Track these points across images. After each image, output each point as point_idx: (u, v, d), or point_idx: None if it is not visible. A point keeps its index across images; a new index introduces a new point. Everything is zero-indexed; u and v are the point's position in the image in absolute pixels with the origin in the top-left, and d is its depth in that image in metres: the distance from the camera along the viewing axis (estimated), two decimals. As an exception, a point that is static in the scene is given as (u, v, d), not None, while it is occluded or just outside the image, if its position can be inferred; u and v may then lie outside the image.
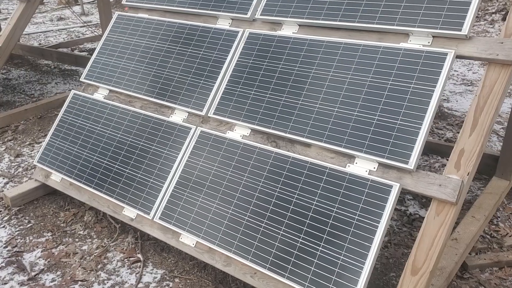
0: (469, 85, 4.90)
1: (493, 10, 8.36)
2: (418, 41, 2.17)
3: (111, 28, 3.35)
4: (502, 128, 3.83)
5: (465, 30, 2.03)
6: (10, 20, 4.20)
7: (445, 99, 4.51)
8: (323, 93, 2.29)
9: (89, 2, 10.94)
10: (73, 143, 3.02)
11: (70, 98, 3.22)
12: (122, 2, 3.45)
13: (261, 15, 2.73)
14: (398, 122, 2.02)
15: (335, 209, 2.02)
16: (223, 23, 2.90)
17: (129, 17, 3.31)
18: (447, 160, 2.92)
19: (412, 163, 1.92)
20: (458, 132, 3.76)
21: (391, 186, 1.94)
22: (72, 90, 3.25)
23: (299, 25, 2.60)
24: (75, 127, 3.07)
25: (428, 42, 2.14)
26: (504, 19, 7.70)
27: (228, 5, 2.89)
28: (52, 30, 8.10)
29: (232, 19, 2.88)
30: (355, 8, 2.39)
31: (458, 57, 2.07)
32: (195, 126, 2.62)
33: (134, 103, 2.97)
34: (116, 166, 2.77)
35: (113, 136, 2.88)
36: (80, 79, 3.26)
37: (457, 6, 2.10)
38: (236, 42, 2.74)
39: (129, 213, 2.63)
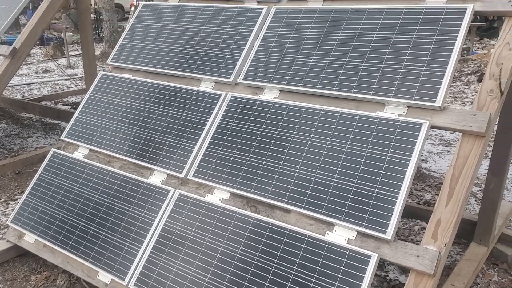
0: (446, 145, 5.01)
1: (469, 71, 8.70)
2: (393, 111, 2.23)
3: (94, 87, 3.38)
4: (480, 190, 3.88)
5: (439, 101, 2.10)
6: (-6, 75, 4.21)
7: (423, 160, 4.59)
8: (303, 158, 2.31)
9: (75, 55, 11.09)
10: (49, 203, 2.96)
11: (49, 157, 3.19)
12: (107, 62, 3.51)
13: (243, 79, 2.79)
14: (376, 190, 2.04)
15: (314, 279, 1.99)
16: (206, 86, 2.95)
17: (113, 77, 3.35)
18: (426, 223, 2.92)
19: (390, 233, 1.92)
20: (437, 194, 3.79)
21: (369, 257, 1.92)
22: (52, 149, 3.22)
23: (280, 91, 2.66)
24: (52, 187, 3.02)
25: (404, 112, 2.20)
26: (479, 80, 8.00)
27: (212, 68, 2.95)
28: (36, 83, 8.13)
29: (215, 82, 2.93)
30: (334, 77, 2.47)
31: (433, 127, 2.12)
32: (173, 189, 2.61)
33: (113, 163, 2.95)
34: (92, 228, 2.71)
35: (91, 197, 2.84)
36: (61, 138, 3.25)
37: (431, 78, 2.18)
38: (218, 105, 2.77)
39: (103, 278, 2.54)
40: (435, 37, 2.28)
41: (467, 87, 7.68)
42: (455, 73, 8.65)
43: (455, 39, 2.22)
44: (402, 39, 2.38)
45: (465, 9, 2.27)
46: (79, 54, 11.41)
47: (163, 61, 3.18)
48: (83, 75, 8.66)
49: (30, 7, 10.93)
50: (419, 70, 2.24)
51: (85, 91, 7.26)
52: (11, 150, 4.81)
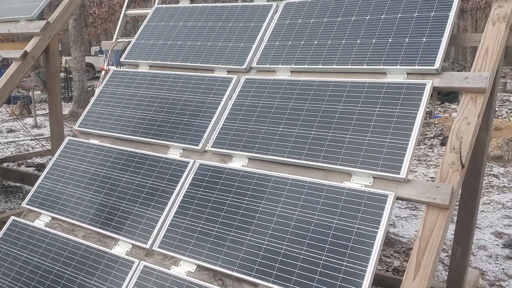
0: (413, 209, 5.08)
1: (432, 135, 9.02)
2: (360, 181, 2.27)
3: (60, 153, 3.32)
4: (447, 255, 3.91)
5: (403, 173, 2.15)
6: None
7: (391, 224, 4.62)
8: (271, 229, 2.29)
9: (42, 114, 10.97)
10: (5, 276, 2.80)
11: (8, 225, 3.06)
12: (75, 127, 3.47)
13: (212, 147, 2.80)
14: (344, 263, 2.02)
15: None
16: (174, 153, 2.94)
17: (80, 143, 3.31)
18: (396, 292, 2.89)
19: (359, 309, 1.89)
20: (406, 261, 3.80)
21: (339, 334, 1.87)
22: (12, 216, 3.10)
23: (249, 159, 2.68)
24: (9, 258, 2.87)
25: (370, 183, 2.24)
26: (442, 143, 8.29)
27: (180, 136, 2.95)
28: (0, 143, 7.95)
29: (183, 149, 2.93)
30: (301, 146, 2.50)
31: (398, 198, 2.16)
32: (138, 260, 2.51)
33: (77, 232, 2.85)
34: (50, 302, 2.56)
35: (51, 268, 2.71)
36: (22, 205, 3.13)
37: (395, 150, 2.24)
38: (186, 173, 2.75)
39: None
40: (397, 110, 2.37)
41: (430, 150, 7.93)
42: (419, 136, 8.95)
43: (416, 113, 2.31)
44: (366, 111, 2.46)
45: (425, 84, 2.39)
46: (47, 113, 11.30)
47: (132, 127, 3.17)
48: (50, 136, 8.54)
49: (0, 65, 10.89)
50: (383, 142, 2.30)
51: (51, 152, 7.12)
52: (-32, 215, 4.59)
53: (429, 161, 7.19)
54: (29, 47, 4.64)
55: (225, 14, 3.55)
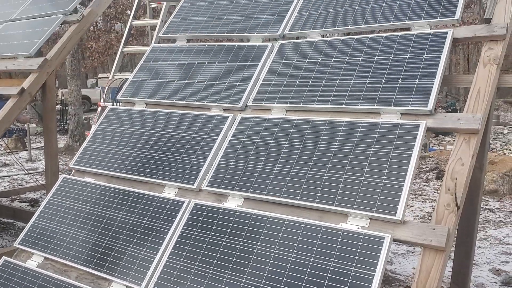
0: (410, 245, 5.04)
1: (427, 169, 9.05)
2: (356, 222, 2.26)
3: (55, 191, 3.30)
4: (445, 293, 3.86)
5: (399, 215, 2.14)
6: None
7: (388, 261, 4.58)
8: (267, 271, 2.26)
9: (37, 148, 10.95)
10: (-6, 319, 2.74)
11: (-1, 266, 3.00)
12: (69, 165, 3.46)
13: (207, 186, 2.80)
14: (342, 308, 1.99)
15: None
16: (169, 192, 2.93)
17: (75, 181, 3.29)
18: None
19: None
20: (404, 300, 3.75)
21: None
22: (3, 257, 3.05)
23: (244, 198, 2.67)
24: (-1, 300, 2.81)
25: (366, 224, 2.23)
26: (437, 177, 8.30)
27: (176, 174, 2.95)
28: (-6, 177, 7.90)
29: (178, 188, 2.92)
30: (297, 186, 2.50)
31: (395, 240, 2.14)
32: (132, 303, 2.47)
33: (69, 273, 2.80)
34: None
35: (41, 311, 2.65)
36: (14, 244, 3.09)
37: (390, 191, 2.24)
38: (181, 213, 2.74)
39: None
40: (392, 151, 2.39)
41: (426, 184, 7.94)
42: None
43: (411, 154, 2.32)
44: (362, 151, 2.48)
45: (418, 125, 2.41)
46: (42, 146, 11.28)
47: (127, 165, 3.17)
48: (44, 170, 8.51)
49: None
50: (378, 183, 2.31)
51: (45, 187, 7.07)
52: (-41, 253, 4.51)
53: (425, 195, 7.19)
54: (26, 83, 4.67)
55: (221, 53, 3.60)
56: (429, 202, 6.78)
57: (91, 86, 25.82)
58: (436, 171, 8.68)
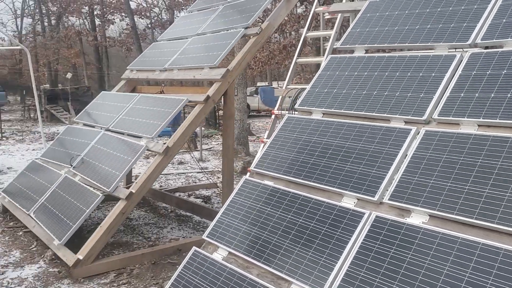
0: None
1: None
2: None
3: (237, 191, 3.57)
4: None
5: None
6: (147, 170, 4.67)
7: None
8: (458, 295, 2.14)
9: (206, 149, 11.95)
10: (186, 302, 3.05)
11: (190, 255, 3.34)
12: (250, 168, 3.71)
13: (389, 199, 2.75)
14: None
15: None
16: (348, 202, 2.95)
17: (255, 183, 3.52)
18: None
19: None
20: None
21: None
22: (194, 247, 3.39)
23: (430, 216, 2.56)
24: (191, 286, 3.13)
25: None
26: None
27: (355, 185, 2.96)
28: (172, 174, 8.84)
29: (357, 199, 2.93)
30: (495, 208, 2.32)
31: None
32: (313, 307, 2.54)
33: (251, 270, 3.00)
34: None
35: (227, 301, 2.88)
36: (203, 237, 3.41)
37: None
38: (361, 224, 2.74)
39: None
40: None
41: None
42: None
43: None
44: None
45: None
46: (210, 148, 12.30)
47: (306, 172, 3.28)
48: (214, 169, 9.28)
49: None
50: None
51: (216, 185, 7.70)
52: (149, 239, 5.15)
53: None
54: (211, 91, 5.15)
55: (403, 64, 3.52)
56: None
57: (250, 94, 27.36)
58: None
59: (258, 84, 31.40)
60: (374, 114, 3.34)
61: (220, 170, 9.05)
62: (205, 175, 8.62)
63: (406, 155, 2.94)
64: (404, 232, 2.55)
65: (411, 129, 3.04)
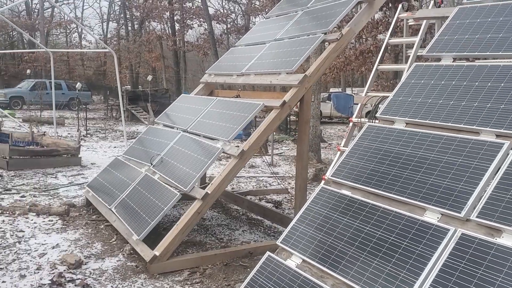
0: None
1: None
2: None
3: (313, 199, 3.53)
4: None
5: None
6: (222, 172, 4.76)
7: None
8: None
9: (276, 154, 11.98)
10: (259, 306, 3.06)
11: (264, 259, 3.35)
12: (326, 176, 3.66)
13: (477, 216, 2.60)
14: None
15: None
16: (431, 217, 2.82)
17: (332, 192, 3.47)
18: None
19: None
20: None
21: None
22: (267, 252, 3.39)
23: (524, 237, 2.38)
24: (264, 290, 3.14)
25: None
26: None
27: (439, 200, 2.83)
28: (243, 177, 8.95)
29: (441, 214, 2.79)
30: None
31: None
32: (391, 324, 2.45)
33: (326, 280, 2.95)
34: None
35: (300, 310, 2.85)
36: (277, 242, 3.41)
37: None
38: (445, 241, 2.61)
39: None
40: None
41: None
42: None
43: None
44: None
45: None
46: (280, 153, 12.32)
47: (386, 184, 3.18)
48: (285, 174, 9.28)
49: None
50: None
51: (287, 191, 7.70)
52: (221, 240, 5.24)
53: None
54: (287, 97, 5.14)
55: (495, 73, 3.32)
56: None
57: (323, 100, 27.11)
58: None
59: (331, 90, 31.05)
60: (462, 125, 3.17)
61: (291, 175, 9.03)
62: (276, 179, 8.63)
63: (498, 170, 2.76)
64: (494, 253, 2.39)
65: (503, 144, 2.86)
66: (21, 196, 6.76)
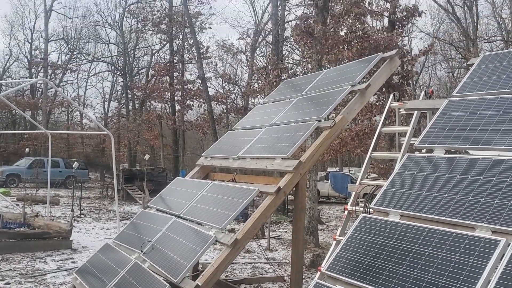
0: None
1: None
2: None
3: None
4: None
5: None
6: (214, 262, 4.61)
7: None
8: None
9: (273, 237, 11.72)
10: None
11: None
12: (321, 269, 3.54)
13: (477, 321, 2.47)
14: None
15: None
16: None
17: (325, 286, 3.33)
18: None
19: None
20: None
21: None
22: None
23: None
24: None
25: None
26: None
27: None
28: (238, 263, 8.68)
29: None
30: None
31: None
32: None
33: None
34: None
35: None
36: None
37: None
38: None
39: None
40: None
41: None
42: None
43: None
44: None
45: None
46: (278, 236, 12.06)
47: (382, 281, 3.06)
48: (281, 260, 9.01)
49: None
50: None
51: (283, 279, 7.43)
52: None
53: None
54: (282, 183, 5.13)
55: (487, 167, 3.33)
56: None
57: (320, 179, 27.12)
58: None
59: (329, 169, 31.14)
60: (457, 220, 3.13)
61: (287, 261, 8.76)
62: (272, 266, 8.37)
63: (495, 271, 2.67)
64: None
65: (499, 241, 2.79)
66: (6, 283, 6.50)
